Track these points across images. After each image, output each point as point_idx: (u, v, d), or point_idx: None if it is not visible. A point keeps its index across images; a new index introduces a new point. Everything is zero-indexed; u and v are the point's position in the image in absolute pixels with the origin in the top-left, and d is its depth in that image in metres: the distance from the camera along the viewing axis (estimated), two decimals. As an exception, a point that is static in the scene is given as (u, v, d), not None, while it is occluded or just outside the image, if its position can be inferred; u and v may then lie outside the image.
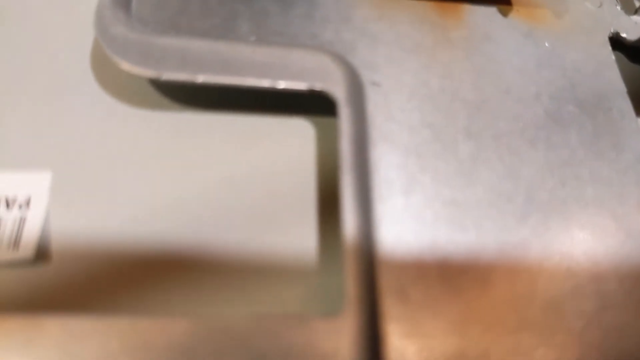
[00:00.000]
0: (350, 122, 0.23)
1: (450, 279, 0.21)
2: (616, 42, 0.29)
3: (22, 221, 0.22)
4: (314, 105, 0.25)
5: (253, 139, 0.25)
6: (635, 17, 0.29)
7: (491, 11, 0.28)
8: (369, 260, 0.21)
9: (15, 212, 0.22)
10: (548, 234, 0.22)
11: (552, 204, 0.23)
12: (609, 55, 0.28)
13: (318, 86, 0.24)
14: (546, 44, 0.27)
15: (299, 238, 0.23)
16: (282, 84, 0.23)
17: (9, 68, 0.25)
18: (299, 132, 0.25)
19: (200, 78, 0.23)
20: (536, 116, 0.25)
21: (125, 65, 0.23)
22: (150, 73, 0.23)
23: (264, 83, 0.23)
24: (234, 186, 0.24)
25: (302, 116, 0.26)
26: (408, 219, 0.22)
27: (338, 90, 0.24)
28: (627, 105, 0.26)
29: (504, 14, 0.28)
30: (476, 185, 0.23)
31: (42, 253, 0.21)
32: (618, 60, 0.28)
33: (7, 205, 0.22)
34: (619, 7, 0.30)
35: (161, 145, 0.24)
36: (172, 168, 0.24)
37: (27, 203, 0.22)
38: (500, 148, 0.24)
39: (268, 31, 0.25)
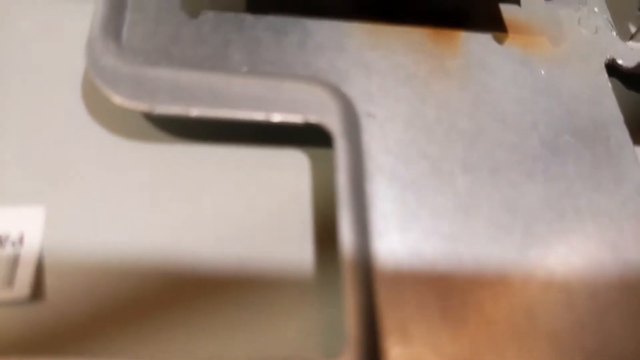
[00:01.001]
0: (346, 155, 0.23)
1: (451, 313, 0.21)
2: (612, 69, 0.28)
3: (15, 259, 0.21)
4: (307, 136, 0.25)
5: (247, 171, 0.25)
6: (631, 43, 0.29)
7: (487, 38, 0.28)
8: (368, 296, 0.21)
9: (8, 250, 0.21)
10: (547, 267, 0.22)
11: (551, 237, 0.23)
12: (605, 83, 0.27)
13: (313, 119, 0.23)
14: (542, 72, 0.27)
15: (296, 271, 0.23)
16: (276, 117, 0.23)
17: None
18: (293, 163, 0.25)
19: (194, 112, 0.23)
20: (533, 147, 0.25)
21: (117, 99, 0.23)
22: (142, 107, 0.23)
23: (258, 116, 0.23)
24: (229, 219, 0.24)
25: (296, 147, 0.25)
26: (406, 254, 0.21)
27: (333, 122, 0.23)
28: (625, 134, 0.26)
29: (500, 41, 0.28)
30: (475, 219, 0.23)
31: (37, 291, 0.21)
32: (614, 87, 0.28)
33: (0, 242, 0.21)
34: (614, 33, 0.29)
35: (154, 178, 0.24)
36: (166, 201, 0.24)
37: (20, 240, 0.22)
38: (498, 181, 0.24)
39: (261, 60, 0.25)
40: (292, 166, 0.25)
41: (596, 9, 0.30)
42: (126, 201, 0.24)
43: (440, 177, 0.23)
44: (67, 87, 0.25)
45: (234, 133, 0.25)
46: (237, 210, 0.24)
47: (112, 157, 0.24)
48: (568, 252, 0.23)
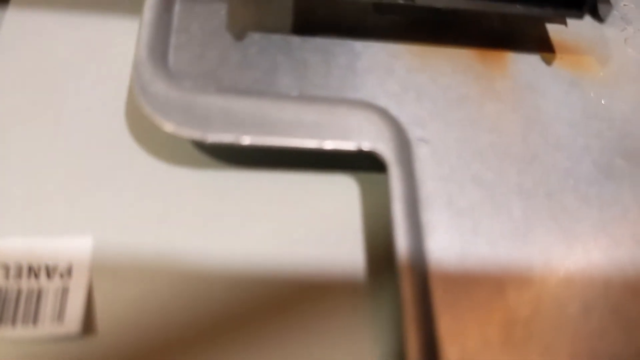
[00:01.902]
0: (400, 184, 0.23)
1: (515, 345, 0.20)
2: (660, 89, 0.28)
3: (64, 291, 0.21)
4: (355, 160, 0.24)
5: (296, 197, 0.24)
6: (678, 63, 0.29)
7: (535, 59, 0.27)
8: (428, 325, 0.20)
9: (57, 282, 0.21)
10: (609, 295, 0.21)
11: (608, 266, 0.22)
12: (655, 105, 0.27)
13: (366, 146, 0.23)
14: (592, 94, 0.26)
15: (349, 302, 0.22)
16: (329, 145, 0.23)
17: (42, 131, 0.25)
18: (342, 189, 0.25)
19: (246, 140, 0.22)
20: (587, 171, 0.24)
21: (168, 127, 0.22)
22: (194, 135, 0.22)
23: (311, 144, 0.23)
24: (280, 245, 0.23)
25: (345, 172, 0.25)
26: (464, 281, 0.21)
27: (386, 149, 0.23)
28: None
29: (548, 62, 0.27)
30: (531, 246, 0.22)
31: (88, 326, 0.20)
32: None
33: (48, 274, 0.21)
34: (661, 53, 0.29)
35: (202, 205, 0.23)
36: (216, 228, 0.23)
37: (69, 271, 0.21)
38: (553, 206, 0.23)
39: (310, 84, 0.25)
40: (342, 191, 0.25)
41: (643, 28, 0.29)
42: (175, 229, 0.23)
43: (495, 203, 0.23)
44: (111, 111, 0.25)
45: (280, 158, 0.24)
46: (288, 238, 0.23)
47: (159, 184, 0.24)
48: (626, 281, 0.22)
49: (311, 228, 0.23)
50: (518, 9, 0.25)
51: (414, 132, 0.24)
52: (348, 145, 0.23)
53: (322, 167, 0.25)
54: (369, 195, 0.24)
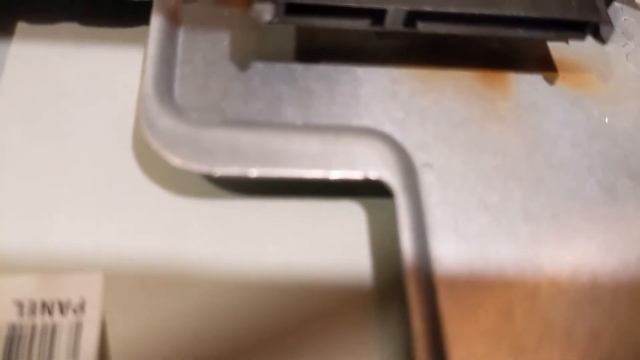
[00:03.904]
0: (407, 212, 0.23)
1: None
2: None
3: (78, 327, 0.21)
4: (362, 187, 0.24)
5: (304, 224, 0.24)
6: (680, 77, 0.29)
7: (537, 79, 0.28)
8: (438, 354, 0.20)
9: (70, 318, 0.21)
10: (616, 317, 0.22)
11: (617, 286, 0.22)
12: (659, 122, 0.27)
13: (373, 175, 0.23)
14: (595, 113, 0.26)
15: (357, 330, 0.22)
16: (335, 174, 0.23)
17: (49, 164, 0.25)
18: (349, 215, 0.25)
19: (253, 172, 0.23)
20: (592, 192, 0.24)
21: (177, 162, 0.22)
22: (202, 169, 0.23)
23: (317, 174, 0.23)
24: (288, 273, 0.24)
25: (351, 198, 0.25)
26: (475, 307, 0.21)
27: (393, 177, 0.23)
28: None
29: (550, 81, 0.27)
30: (539, 269, 0.22)
31: (102, 362, 0.20)
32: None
33: (62, 310, 0.21)
34: (663, 68, 0.29)
35: (211, 234, 0.24)
36: (225, 258, 0.23)
37: (82, 307, 0.21)
38: (560, 229, 0.23)
39: (314, 112, 0.25)
40: (349, 218, 0.25)
41: (643, 43, 0.29)
42: (184, 260, 0.24)
43: (502, 228, 0.23)
44: (118, 144, 0.25)
45: (287, 186, 0.24)
46: (296, 266, 0.23)
47: (167, 214, 0.24)
48: (635, 302, 0.22)
49: (319, 255, 0.24)
50: (520, 33, 0.25)
51: (418, 158, 0.24)
52: (354, 174, 0.23)
53: (329, 194, 0.25)
54: (375, 221, 0.25)
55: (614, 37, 0.29)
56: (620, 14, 0.31)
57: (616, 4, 0.30)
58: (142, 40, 0.25)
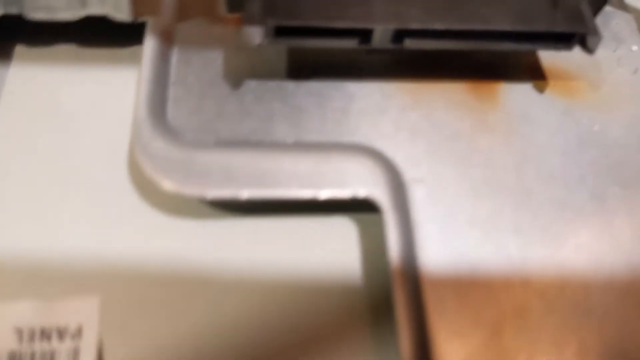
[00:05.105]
0: (397, 229, 0.23)
1: None
2: (655, 109, 0.28)
3: (76, 352, 0.21)
4: (354, 203, 0.25)
5: (295, 241, 0.25)
6: (672, 81, 0.29)
7: (527, 88, 0.28)
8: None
9: (68, 343, 0.22)
10: (606, 329, 0.22)
11: (607, 298, 0.23)
12: (650, 127, 0.27)
13: (362, 193, 0.24)
14: (585, 121, 0.27)
15: (351, 345, 0.23)
16: (325, 194, 0.23)
17: (45, 187, 0.26)
18: (341, 231, 0.25)
19: (245, 194, 0.23)
20: (582, 202, 0.25)
21: (169, 186, 0.23)
22: (194, 192, 0.23)
23: (307, 194, 0.24)
24: (281, 291, 0.24)
25: (343, 214, 0.26)
26: (465, 325, 0.22)
27: (382, 195, 0.24)
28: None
29: (540, 90, 0.28)
30: (527, 283, 0.23)
31: (100, 387, 0.21)
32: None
33: (60, 336, 0.22)
34: (655, 71, 0.29)
35: (206, 255, 0.24)
36: (220, 279, 0.24)
37: (79, 332, 0.22)
38: (551, 242, 0.24)
39: (305, 130, 0.25)
40: (340, 234, 0.26)
41: (634, 48, 0.30)
42: (179, 281, 0.24)
43: (493, 244, 0.23)
44: (114, 166, 0.26)
45: (280, 204, 0.25)
46: (288, 283, 0.24)
47: (162, 237, 0.25)
48: (625, 320, 0.22)
49: (312, 272, 0.24)
50: (508, 46, 0.25)
51: (409, 173, 0.25)
52: (344, 193, 0.24)
53: (322, 210, 0.25)
54: (367, 236, 0.25)
55: (605, 42, 0.29)
56: (611, 17, 0.31)
57: (607, 8, 0.30)
58: (139, 60, 0.26)
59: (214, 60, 0.26)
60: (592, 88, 0.28)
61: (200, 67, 0.26)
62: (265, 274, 0.24)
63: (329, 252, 0.25)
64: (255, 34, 0.23)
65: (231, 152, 0.24)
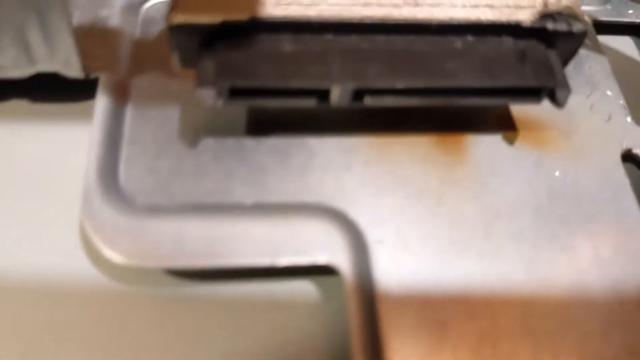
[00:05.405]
0: (358, 298, 0.22)
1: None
2: (629, 157, 0.27)
3: None
4: (315, 267, 0.24)
5: (255, 307, 0.24)
6: (647, 127, 0.28)
7: (496, 140, 0.27)
8: None
9: None
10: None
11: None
12: (623, 179, 0.26)
13: (321, 260, 0.23)
14: (557, 173, 0.26)
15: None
16: (283, 261, 0.22)
17: None
18: (302, 295, 0.24)
19: (198, 264, 0.22)
20: (552, 261, 0.24)
21: (117, 258, 0.22)
22: (145, 264, 0.22)
23: (264, 261, 0.23)
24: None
25: (304, 278, 0.25)
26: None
27: (342, 260, 0.23)
28: (647, 237, 0.25)
29: (510, 141, 0.27)
30: (500, 351, 0.22)
31: None
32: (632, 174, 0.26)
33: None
34: (629, 118, 0.28)
35: (162, 325, 0.23)
36: (178, 348, 0.23)
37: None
38: (518, 303, 0.23)
39: (265, 190, 0.24)
40: (302, 298, 0.25)
41: (609, 92, 0.29)
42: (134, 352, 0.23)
43: (460, 306, 0.22)
44: (66, 231, 0.24)
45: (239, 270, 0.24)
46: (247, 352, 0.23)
47: (119, 308, 0.24)
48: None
49: (273, 339, 0.23)
50: (474, 101, 0.24)
51: (372, 234, 0.24)
52: (302, 260, 0.23)
53: (282, 274, 0.24)
54: (329, 299, 0.24)
55: (578, 88, 0.28)
56: (584, 61, 0.30)
57: (580, 51, 0.29)
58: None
59: (170, 117, 0.25)
60: (564, 137, 0.27)
61: (156, 124, 0.25)
62: (223, 346, 0.22)
63: (290, 316, 0.23)
64: (208, 96, 0.22)
65: (185, 219, 0.23)
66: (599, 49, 0.31)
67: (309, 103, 0.23)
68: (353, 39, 0.24)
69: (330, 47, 0.23)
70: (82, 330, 0.23)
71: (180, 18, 0.22)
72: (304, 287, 0.25)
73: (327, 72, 0.23)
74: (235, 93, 0.23)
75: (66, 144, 0.26)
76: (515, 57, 0.24)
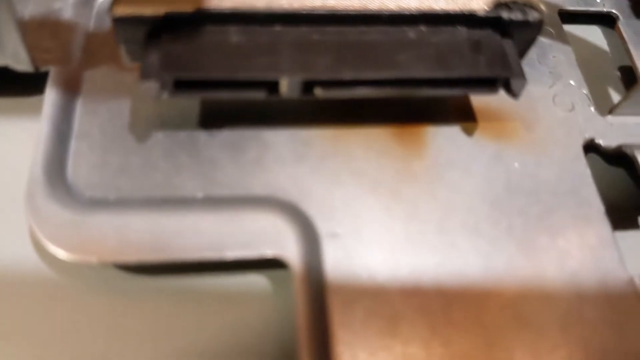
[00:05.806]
0: (306, 290, 0.22)
1: None
2: (592, 148, 0.27)
3: None
4: (267, 261, 0.23)
5: (207, 301, 0.23)
6: (610, 118, 0.27)
7: (455, 131, 0.26)
8: None
9: None
10: None
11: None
12: (584, 170, 0.26)
13: (269, 253, 0.22)
14: (516, 165, 0.25)
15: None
16: (230, 255, 0.22)
17: None
18: (255, 289, 0.24)
19: (145, 258, 0.22)
20: (509, 254, 0.23)
21: (62, 254, 0.21)
22: (90, 259, 0.22)
23: (211, 255, 0.22)
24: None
25: (258, 271, 0.25)
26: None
27: (291, 254, 0.22)
28: (607, 229, 0.24)
29: (469, 133, 0.26)
30: (452, 346, 0.21)
31: None
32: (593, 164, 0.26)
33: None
34: (592, 108, 0.28)
35: (117, 324, 0.22)
36: (131, 344, 0.22)
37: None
38: (471, 299, 0.22)
39: (217, 184, 0.24)
40: (253, 292, 0.25)
41: (572, 82, 0.28)
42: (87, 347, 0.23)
43: (412, 303, 0.22)
44: (15, 229, 0.24)
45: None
46: (200, 348, 0.23)
47: (72, 307, 0.24)
48: None
49: (224, 332, 0.23)
50: (428, 92, 0.23)
51: (323, 227, 0.23)
52: (250, 253, 0.22)
53: (233, 267, 0.24)
54: (282, 293, 0.24)
55: (540, 77, 0.27)
56: (548, 51, 0.30)
57: (544, 40, 0.29)
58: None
59: (121, 111, 0.25)
60: (526, 128, 0.27)
61: (107, 118, 0.25)
62: (174, 334, 0.22)
63: (242, 310, 0.23)
64: (151, 88, 0.21)
65: (131, 213, 0.22)
66: (564, 38, 0.30)
67: (258, 95, 0.23)
68: (303, 30, 0.23)
69: (280, 39, 0.23)
70: (30, 326, 0.23)
71: (122, 10, 0.21)
72: (258, 281, 0.24)
73: (276, 63, 0.22)
74: (181, 85, 0.22)
75: (16, 139, 0.26)
76: (469, 47, 0.24)
